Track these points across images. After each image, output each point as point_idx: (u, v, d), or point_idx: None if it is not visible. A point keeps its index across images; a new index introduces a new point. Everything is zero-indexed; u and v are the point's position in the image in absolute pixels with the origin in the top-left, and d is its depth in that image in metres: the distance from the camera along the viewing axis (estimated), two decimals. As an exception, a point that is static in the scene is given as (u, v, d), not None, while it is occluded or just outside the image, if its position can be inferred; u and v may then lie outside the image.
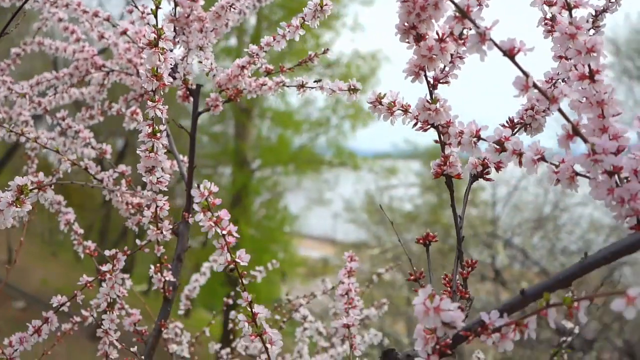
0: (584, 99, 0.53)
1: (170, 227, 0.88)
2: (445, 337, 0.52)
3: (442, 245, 7.24)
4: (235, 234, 0.61)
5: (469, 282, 0.60)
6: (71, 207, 1.11)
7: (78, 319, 1.10)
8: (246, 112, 10.94)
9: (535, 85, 0.49)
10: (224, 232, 0.60)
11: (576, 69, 0.54)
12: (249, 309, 0.63)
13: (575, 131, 0.50)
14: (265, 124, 11.81)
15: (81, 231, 1.08)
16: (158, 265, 0.93)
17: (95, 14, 1.06)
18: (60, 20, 1.15)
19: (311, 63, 0.97)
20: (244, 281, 0.64)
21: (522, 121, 0.67)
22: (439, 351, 0.52)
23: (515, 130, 0.67)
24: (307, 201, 11.75)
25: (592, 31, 0.70)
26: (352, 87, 0.81)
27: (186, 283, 1.46)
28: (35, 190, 0.63)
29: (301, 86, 0.92)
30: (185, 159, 1.07)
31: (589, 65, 0.52)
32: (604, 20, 0.70)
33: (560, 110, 0.50)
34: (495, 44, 0.49)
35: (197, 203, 0.59)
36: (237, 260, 0.61)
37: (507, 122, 0.67)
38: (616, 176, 0.52)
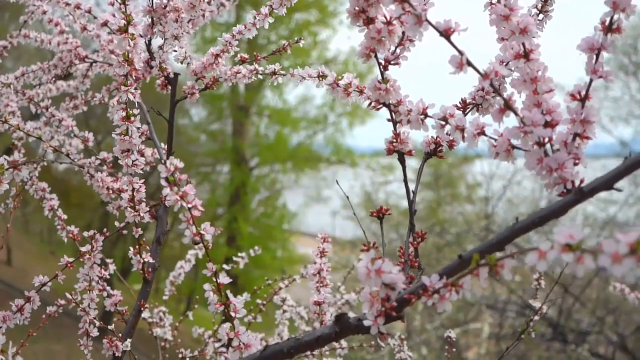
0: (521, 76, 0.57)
1: (147, 209, 0.91)
2: (391, 301, 0.56)
3: (439, 240, 7.29)
4: (200, 208, 0.65)
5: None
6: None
7: (62, 301, 1.13)
8: (244, 110, 10.98)
9: (469, 63, 0.53)
10: (190, 205, 0.64)
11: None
12: (214, 280, 0.66)
13: (507, 105, 0.54)
14: (263, 122, 11.85)
15: (65, 217, 1.12)
16: (137, 247, 0.97)
17: (77, 7, 1.10)
18: (44, 12, 1.19)
19: (284, 52, 1.00)
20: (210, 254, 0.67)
21: (473, 101, 0.70)
22: (385, 313, 0.56)
23: (468, 110, 0.71)
24: (305, 199, 11.79)
25: (541, 15, 0.74)
26: (320, 74, 0.85)
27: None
28: (11, 170, 0.66)
29: (273, 73, 0.96)
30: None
31: (523, 45, 0.56)
32: (553, 6, 0.74)
33: (493, 86, 0.54)
34: (432, 25, 0.53)
35: (163, 178, 0.63)
36: (202, 232, 0.65)
37: (459, 102, 0.71)
38: (549, 147, 0.55)
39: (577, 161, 0.54)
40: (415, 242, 0.64)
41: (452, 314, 6.03)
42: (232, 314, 0.66)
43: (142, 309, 1.00)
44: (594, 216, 7.28)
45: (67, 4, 1.10)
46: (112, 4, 1.07)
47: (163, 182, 0.64)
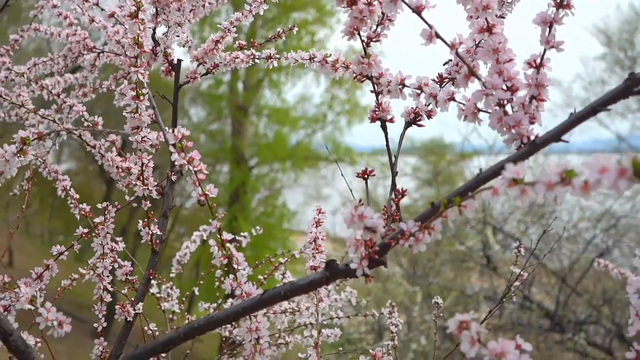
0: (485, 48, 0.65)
1: (155, 183, 1.00)
2: (375, 246, 0.64)
3: (440, 236, 7.36)
4: (205, 171, 0.73)
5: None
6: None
7: (76, 276, 1.21)
8: (243, 110, 11.05)
9: (437, 35, 0.61)
10: (196, 169, 0.72)
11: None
12: (218, 236, 0.75)
13: (471, 72, 0.62)
14: (262, 122, 11.93)
15: (77, 196, 1.20)
16: (146, 220, 1.05)
17: (85, 0, 1.18)
18: (54, 6, 1.27)
19: (279, 38, 1.08)
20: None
21: (449, 76, 0.78)
22: (368, 256, 0.64)
23: (445, 83, 0.79)
24: (305, 197, 11.87)
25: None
26: (312, 56, 0.93)
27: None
28: (36, 141, 0.74)
29: (269, 57, 1.04)
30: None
31: (486, 20, 0.64)
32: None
33: (458, 55, 0.62)
34: (405, 3, 0.61)
35: (172, 145, 0.71)
36: (207, 192, 0.73)
37: (436, 76, 0.79)
38: (509, 108, 0.63)
39: (533, 120, 0.62)
40: (396, 199, 0.72)
41: (451, 306, 6.11)
42: (235, 267, 0.75)
43: (151, 277, 1.08)
44: (590, 208, 7.36)
45: (77, -3, 1.18)
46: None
47: (172, 149, 0.72)
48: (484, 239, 5.74)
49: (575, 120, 0.57)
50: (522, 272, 1.16)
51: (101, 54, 1.28)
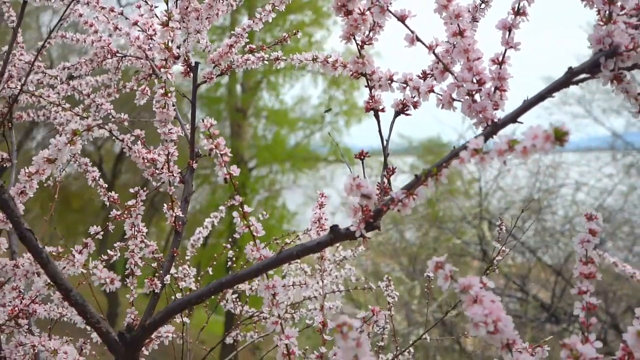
0: (457, 49, 0.80)
1: (179, 170, 1.14)
2: (370, 212, 0.79)
3: (439, 233, 7.54)
4: (229, 154, 0.87)
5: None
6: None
7: (105, 257, 1.36)
8: (241, 112, 11.20)
9: (418, 39, 0.76)
10: (222, 152, 0.87)
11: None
12: (241, 209, 0.89)
13: (445, 68, 0.77)
14: (260, 123, 12.07)
15: (106, 185, 1.34)
16: (170, 203, 1.19)
17: (112, 10, 1.32)
18: (80, 15, 1.41)
19: (285, 43, 1.23)
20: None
21: (431, 72, 0.93)
22: (365, 220, 0.78)
23: (428, 79, 0.93)
24: (304, 198, 12.00)
25: (483, 5, 0.96)
26: (314, 57, 1.07)
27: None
28: (86, 132, 0.89)
29: (276, 59, 1.19)
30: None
31: (458, 26, 0.79)
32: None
33: (435, 55, 0.77)
34: (392, 13, 0.76)
35: (202, 132, 0.85)
36: (231, 172, 0.88)
37: (421, 73, 0.94)
38: (478, 97, 0.78)
39: (496, 107, 0.77)
40: (387, 175, 0.87)
41: (449, 299, 6.24)
42: (255, 234, 0.89)
43: (175, 254, 1.22)
44: (585, 203, 7.52)
45: (103, 8, 1.33)
46: (139, 7, 1.30)
47: (202, 135, 0.87)
48: (480, 233, 5.89)
49: (527, 105, 0.72)
50: (502, 248, 1.30)
51: (123, 58, 1.42)
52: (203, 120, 0.84)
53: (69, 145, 0.92)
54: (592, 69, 0.69)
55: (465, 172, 9.77)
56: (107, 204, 1.32)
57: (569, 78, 0.70)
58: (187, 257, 1.64)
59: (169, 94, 0.99)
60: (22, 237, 0.80)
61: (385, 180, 0.87)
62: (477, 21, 0.93)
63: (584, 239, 0.75)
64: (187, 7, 1.18)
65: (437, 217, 7.75)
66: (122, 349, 0.81)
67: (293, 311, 1.48)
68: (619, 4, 0.69)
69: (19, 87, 1.34)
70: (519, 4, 0.76)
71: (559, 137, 0.53)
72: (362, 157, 0.90)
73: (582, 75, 0.71)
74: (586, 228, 0.76)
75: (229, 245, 1.79)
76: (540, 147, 0.54)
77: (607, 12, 0.68)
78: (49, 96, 1.50)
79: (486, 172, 7.16)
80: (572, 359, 0.57)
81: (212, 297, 1.69)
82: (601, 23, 0.69)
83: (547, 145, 0.54)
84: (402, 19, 0.75)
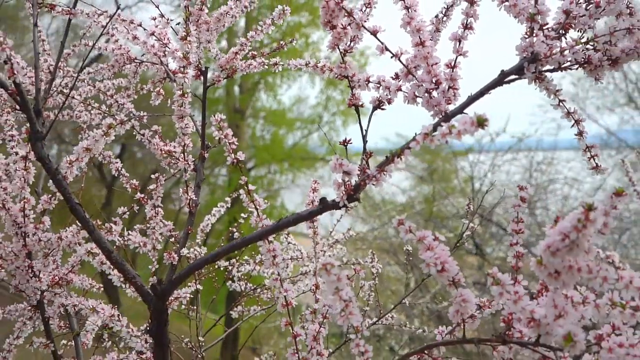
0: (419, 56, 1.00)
1: (194, 159, 1.34)
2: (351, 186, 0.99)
3: (434, 228, 7.76)
4: (236, 143, 1.07)
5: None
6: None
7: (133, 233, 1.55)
8: (240, 113, 11.40)
9: (386, 49, 0.96)
10: (230, 141, 1.07)
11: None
12: (246, 188, 1.09)
13: (409, 72, 0.97)
14: (258, 124, 12.26)
15: (127, 174, 1.55)
16: (185, 187, 1.40)
17: (131, 21, 1.52)
18: (103, 27, 1.61)
19: (282, 49, 1.43)
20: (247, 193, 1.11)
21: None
22: (347, 193, 0.99)
23: (398, 79, 1.14)
24: (303, 198, 12.18)
25: (445, 18, 1.17)
26: (307, 62, 1.28)
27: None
28: (119, 125, 1.09)
29: (276, 64, 1.39)
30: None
31: (419, 37, 0.99)
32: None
33: (400, 61, 0.97)
34: (365, 28, 0.96)
35: (213, 125, 1.06)
36: (238, 157, 1.08)
37: (394, 74, 1.14)
38: (435, 94, 0.99)
39: (449, 102, 0.97)
40: (366, 157, 1.07)
41: (443, 290, 6.45)
42: (258, 207, 1.10)
43: (189, 232, 1.43)
44: (577, 198, 7.75)
45: (124, 20, 1.53)
46: (155, 19, 1.51)
47: (212, 127, 1.07)
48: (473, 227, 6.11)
49: (471, 100, 0.92)
50: (471, 223, 1.50)
51: (141, 64, 1.62)
52: (215, 115, 1.05)
53: (104, 136, 1.12)
54: (518, 71, 0.89)
55: (462, 171, 9.99)
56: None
57: (502, 78, 0.90)
58: (197, 240, 1.84)
59: (186, 95, 1.20)
60: (73, 209, 1.00)
61: (364, 161, 1.08)
62: (440, 31, 1.13)
63: (515, 204, 0.96)
64: (198, 20, 1.38)
65: (432, 214, 7.98)
66: (154, 299, 1.01)
67: (292, 284, 1.68)
68: (539, 21, 0.89)
69: (64, 94, 1.54)
70: (467, 20, 0.97)
71: (481, 122, 0.74)
72: (345, 144, 1.11)
73: (512, 77, 0.91)
74: (518, 196, 0.97)
75: (234, 229, 2.00)
76: (469, 130, 0.75)
77: (530, 27, 0.89)
78: (72, 97, 1.70)
79: (478, 168, 7.38)
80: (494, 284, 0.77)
81: (221, 271, 1.91)
82: (526, 36, 0.90)
83: (473, 129, 0.74)
84: (374, 33, 0.96)
